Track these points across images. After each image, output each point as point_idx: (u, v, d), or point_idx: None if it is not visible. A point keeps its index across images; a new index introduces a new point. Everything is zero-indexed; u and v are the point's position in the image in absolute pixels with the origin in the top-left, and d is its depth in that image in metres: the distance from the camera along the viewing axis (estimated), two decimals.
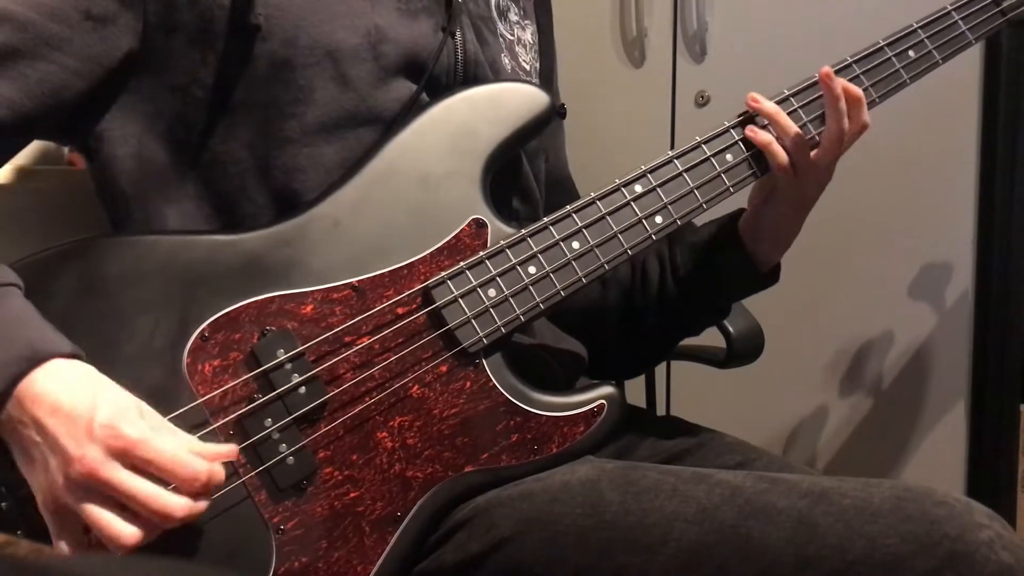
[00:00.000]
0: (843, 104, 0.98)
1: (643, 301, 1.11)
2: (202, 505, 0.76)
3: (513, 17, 1.10)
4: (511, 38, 1.08)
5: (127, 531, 0.73)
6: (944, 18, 1.07)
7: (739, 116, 1.00)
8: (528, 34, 1.12)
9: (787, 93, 1.01)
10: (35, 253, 0.83)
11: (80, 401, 0.73)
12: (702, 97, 1.72)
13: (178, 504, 0.74)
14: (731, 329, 1.23)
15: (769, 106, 0.99)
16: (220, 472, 0.77)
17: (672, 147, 0.98)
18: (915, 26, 1.06)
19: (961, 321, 1.83)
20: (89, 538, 0.74)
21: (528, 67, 1.10)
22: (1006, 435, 1.82)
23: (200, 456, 0.76)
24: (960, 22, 1.07)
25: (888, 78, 1.03)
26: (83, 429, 0.72)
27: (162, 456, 0.74)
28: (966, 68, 1.75)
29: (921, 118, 1.73)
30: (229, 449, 0.79)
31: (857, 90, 0.99)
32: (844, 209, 1.63)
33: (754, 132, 0.99)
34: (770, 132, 0.99)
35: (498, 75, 1.02)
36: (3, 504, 0.76)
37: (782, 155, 0.98)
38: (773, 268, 1.07)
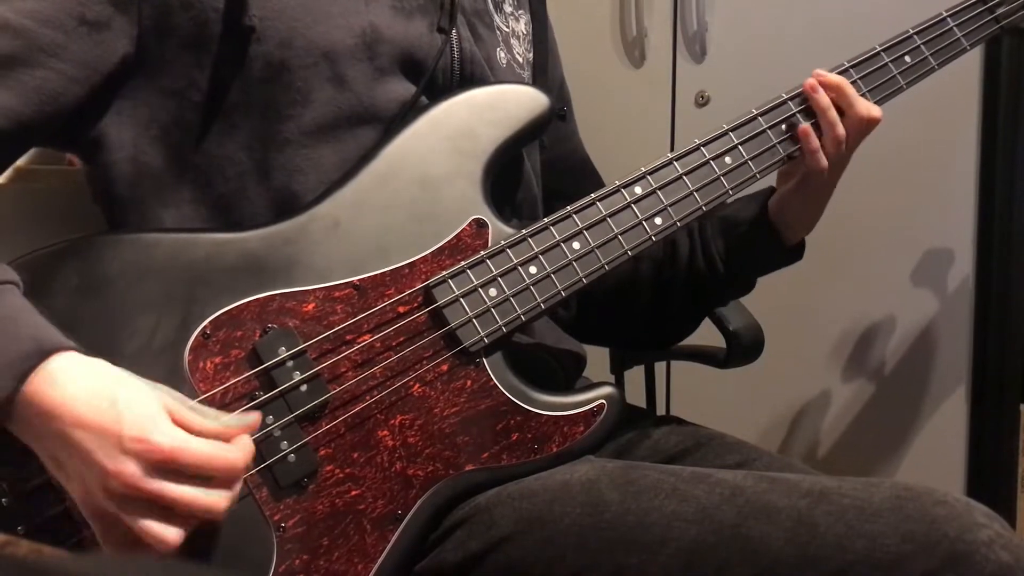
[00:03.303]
0: (833, 113, 1.01)
1: (672, 275, 1.12)
2: (237, 488, 0.76)
3: (508, 8, 1.10)
4: (507, 30, 1.08)
5: (171, 533, 0.72)
6: (940, 24, 1.08)
7: (738, 120, 1.01)
8: (522, 24, 1.12)
9: (785, 97, 1.02)
10: (34, 250, 0.83)
11: (102, 411, 0.72)
12: (702, 97, 1.72)
13: (220, 498, 0.74)
14: (731, 329, 1.24)
15: (824, 100, 1.01)
16: (250, 448, 0.76)
17: (672, 147, 0.99)
18: (911, 32, 1.07)
19: (961, 321, 1.83)
20: (135, 536, 0.73)
21: (522, 59, 1.10)
22: (1006, 435, 1.83)
23: (227, 434, 0.75)
24: (955, 28, 1.09)
25: (885, 83, 1.05)
26: (114, 444, 0.71)
27: (198, 459, 0.72)
28: (966, 66, 1.75)
29: (921, 120, 1.73)
30: (253, 420, 0.78)
31: (838, 80, 1.02)
32: (844, 212, 1.63)
33: (806, 134, 1.00)
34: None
35: (494, 71, 1.02)
36: (3, 500, 0.76)
37: (823, 159, 1.01)
38: (797, 243, 1.09)
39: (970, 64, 1.76)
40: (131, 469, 0.70)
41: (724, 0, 1.71)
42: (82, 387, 0.73)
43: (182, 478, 0.72)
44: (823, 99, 1.01)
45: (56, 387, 0.72)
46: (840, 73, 1.03)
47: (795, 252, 1.10)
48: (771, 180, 1.09)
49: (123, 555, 0.73)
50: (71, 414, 0.71)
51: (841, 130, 1.01)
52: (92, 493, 0.72)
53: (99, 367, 0.75)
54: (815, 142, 1.00)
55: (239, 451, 0.75)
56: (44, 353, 0.73)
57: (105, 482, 0.71)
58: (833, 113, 1.01)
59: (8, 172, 1.13)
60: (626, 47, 1.73)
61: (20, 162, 1.16)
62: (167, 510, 0.72)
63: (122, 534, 0.73)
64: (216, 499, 0.73)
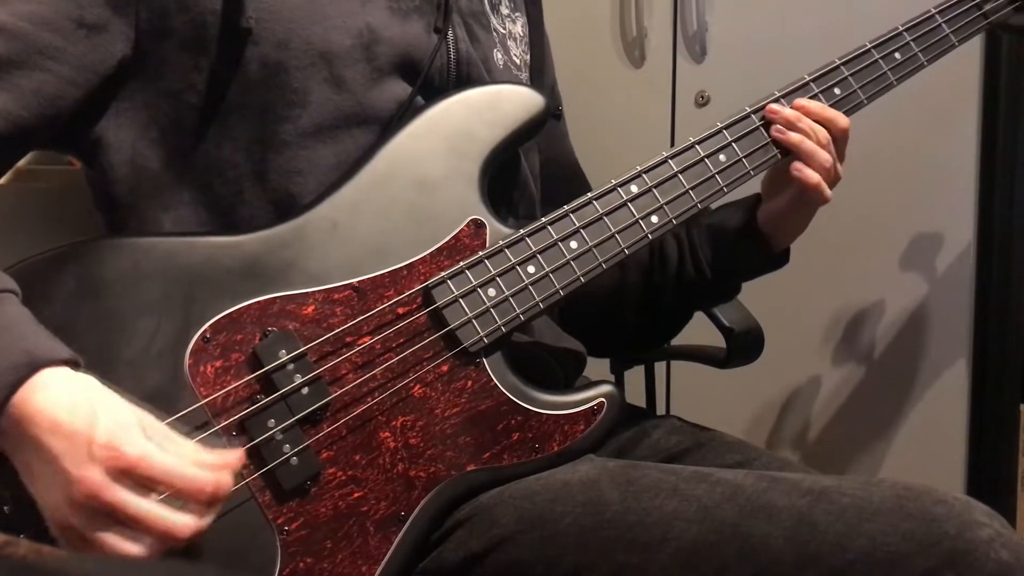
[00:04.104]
0: (805, 121, 1.00)
1: (661, 281, 1.12)
2: (207, 520, 0.73)
3: (504, 10, 1.10)
4: (503, 32, 1.08)
5: (132, 551, 0.70)
6: (928, 21, 1.09)
7: (732, 117, 1.01)
8: (518, 27, 1.12)
9: (778, 94, 1.03)
10: (31, 256, 0.83)
11: (79, 418, 0.71)
12: (702, 97, 1.72)
13: (182, 522, 0.72)
14: (731, 328, 1.24)
15: (805, 130, 1.01)
16: (227, 481, 0.74)
17: (671, 147, 0.99)
18: (900, 29, 1.08)
19: (961, 321, 1.83)
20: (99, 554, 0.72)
21: (519, 61, 1.10)
22: (1006, 435, 1.82)
23: (204, 466, 0.73)
24: (944, 25, 1.10)
25: (876, 80, 1.06)
26: (83, 450, 0.70)
27: (163, 471, 0.71)
28: (967, 61, 1.75)
29: (922, 116, 1.73)
30: (235, 457, 0.76)
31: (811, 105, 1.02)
32: (844, 212, 1.63)
33: (783, 134, 1.00)
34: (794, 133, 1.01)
35: (490, 72, 1.03)
36: (5, 508, 0.76)
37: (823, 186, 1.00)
38: (784, 250, 1.09)
39: (970, 60, 1.76)
40: (95, 476, 0.69)
41: (724, 0, 1.71)
42: (65, 397, 0.72)
43: (148, 493, 0.71)
44: (785, 113, 1.01)
45: (39, 395, 0.72)
46: (832, 70, 1.04)
47: (781, 258, 1.10)
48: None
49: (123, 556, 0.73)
50: (48, 419, 0.71)
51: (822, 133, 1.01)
52: (58, 506, 0.70)
53: (87, 382, 0.74)
54: (813, 177, 0.99)
55: (210, 476, 0.73)
56: (35, 366, 0.72)
57: (69, 490, 0.70)
58: (805, 121, 1.01)
59: (8, 172, 1.13)
60: (626, 47, 1.73)
61: (20, 163, 1.16)
62: (131, 527, 0.71)
63: (89, 551, 0.71)
64: (179, 522, 0.71)
